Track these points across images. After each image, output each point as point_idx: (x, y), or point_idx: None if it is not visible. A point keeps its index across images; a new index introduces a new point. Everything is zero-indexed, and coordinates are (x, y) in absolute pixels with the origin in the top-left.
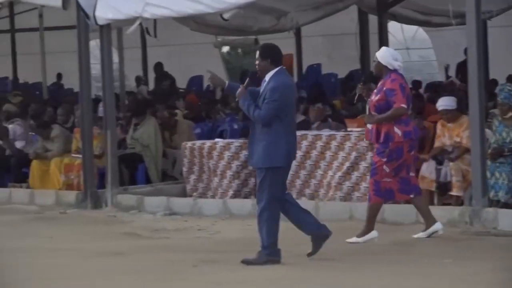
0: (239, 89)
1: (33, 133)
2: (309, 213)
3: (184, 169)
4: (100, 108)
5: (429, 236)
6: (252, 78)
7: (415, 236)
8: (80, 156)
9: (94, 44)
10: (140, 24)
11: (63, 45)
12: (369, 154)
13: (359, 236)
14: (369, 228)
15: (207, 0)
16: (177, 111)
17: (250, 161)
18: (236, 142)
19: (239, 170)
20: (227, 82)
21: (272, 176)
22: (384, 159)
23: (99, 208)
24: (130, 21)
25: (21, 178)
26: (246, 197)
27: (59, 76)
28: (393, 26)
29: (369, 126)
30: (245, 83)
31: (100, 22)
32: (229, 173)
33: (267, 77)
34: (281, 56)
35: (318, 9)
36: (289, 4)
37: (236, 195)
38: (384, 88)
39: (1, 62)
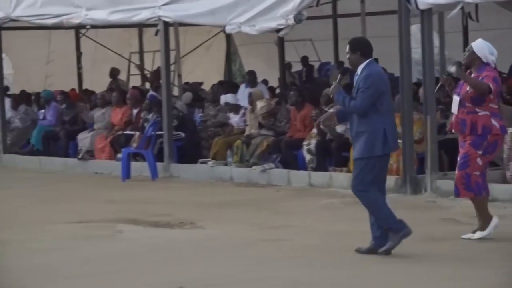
0: (333, 86)
1: None
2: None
3: (505, 155)
4: (421, 92)
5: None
6: (344, 74)
7: (464, 236)
8: (400, 141)
9: (415, 29)
10: (462, 8)
11: (383, 30)
12: None
13: (482, 229)
14: (486, 221)
15: None
16: None
17: (354, 153)
18: None
19: None
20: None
21: (373, 165)
22: (480, 152)
23: (418, 193)
24: (451, 5)
25: (342, 162)
26: None
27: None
28: None
29: (454, 110)
30: (338, 79)
31: (422, 7)
32: None
33: (359, 69)
34: (371, 49)
35: None
36: None
37: None
38: (480, 78)
39: (324, 47)
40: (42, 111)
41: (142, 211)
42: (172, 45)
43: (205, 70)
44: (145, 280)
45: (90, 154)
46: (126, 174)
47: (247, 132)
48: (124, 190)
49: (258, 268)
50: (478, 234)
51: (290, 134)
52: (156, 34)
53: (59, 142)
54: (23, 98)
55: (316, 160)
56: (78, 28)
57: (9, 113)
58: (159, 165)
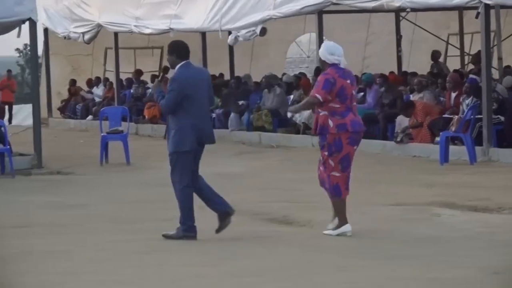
0: (154, 83)
1: None
2: (214, 192)
3: None
4: None
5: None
6: (165, 72)
7: (325, 232)
8: None
9: None
10: None
11: None
12: None
13: (334, 228)
14: (342, 221)
15: None
16: None
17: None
18: None
19: None
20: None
21: (182, 160)
22: (326, 153)
23: None
24: None
25: None
26: None
27: None
28: None
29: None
30: (159, 77)
31: None
32: None
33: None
34: (186, 51)
35: None
36: None
37: None
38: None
39: None
40: (361, 93)
41: (460, 195)
42: (492, 27)
43: None
44: (461, 264)
45: (409, 137)
46: (444, 157)
47: None
48: (442, 173)
49: None
50: (330, 231)
51: None
52: (476, 16)
53: (377, 125)
54: None
55: None
56: (398, 11)
57: None
58: (477, 149)
